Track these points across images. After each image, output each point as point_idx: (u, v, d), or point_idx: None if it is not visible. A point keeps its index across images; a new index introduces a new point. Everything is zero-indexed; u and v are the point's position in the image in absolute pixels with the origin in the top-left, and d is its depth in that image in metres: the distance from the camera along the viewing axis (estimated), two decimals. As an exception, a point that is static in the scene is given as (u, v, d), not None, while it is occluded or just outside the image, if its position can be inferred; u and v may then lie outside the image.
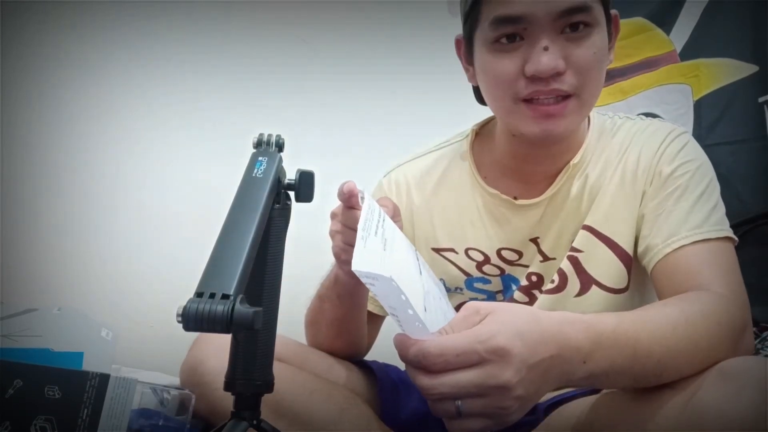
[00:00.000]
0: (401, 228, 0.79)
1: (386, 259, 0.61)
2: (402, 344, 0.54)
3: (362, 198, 0.70)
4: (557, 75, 0.77)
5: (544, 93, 0.78)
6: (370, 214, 0.66)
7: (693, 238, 0.78)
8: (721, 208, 0.82)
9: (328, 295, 0.89)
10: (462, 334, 0.53)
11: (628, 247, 0.86)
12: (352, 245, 0.74)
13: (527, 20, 0.76)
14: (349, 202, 0.72)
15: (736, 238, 0.80)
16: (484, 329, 0.53)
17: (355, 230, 0.71)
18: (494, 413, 0.53)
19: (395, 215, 0.77)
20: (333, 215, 0.78)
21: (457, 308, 0.98)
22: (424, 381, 0.53)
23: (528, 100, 0.79)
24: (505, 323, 0.53)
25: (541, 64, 0.76)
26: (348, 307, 0.89)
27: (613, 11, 0.84)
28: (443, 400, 0.53)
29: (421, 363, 0.53)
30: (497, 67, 0.80)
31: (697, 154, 0.85)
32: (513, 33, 0.78)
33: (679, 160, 0.84)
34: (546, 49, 0.76)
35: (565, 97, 0.79)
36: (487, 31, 0.79)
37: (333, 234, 0.78)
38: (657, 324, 0.63)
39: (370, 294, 0.98)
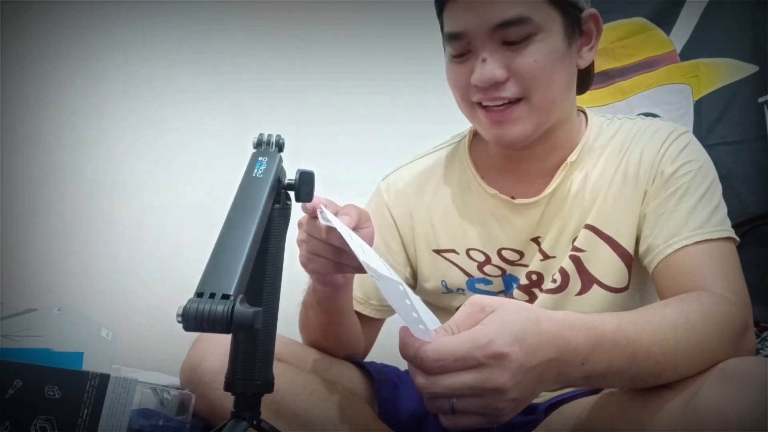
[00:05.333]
0: (372, 233, 0.80)
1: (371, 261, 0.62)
2: (404, 343, 0.55)
3: (321, 212, 0.71)
4: (498, 84, 0.81)
5: (488, 99, 0.82)
6: (338, 227, 0.67)
7: (695, 239, 0.78)
8: (723, 209, 0.82)
9: (310, 301, 0.90)
10: (461, 338, 0.54)
11: (629, 247, 0.86)
12: (316, 254, 0.75)
13: (467, 35, 0.81)
14: (314, 213, 0.73)
15: (738, 239, 0.80)
16: (482, 333, 0.53)
17: (319, 239, 0.74)
18: (487, 413, 0.54)
19: (361, 221, 0.77)
20: (299, 224, 0.78)
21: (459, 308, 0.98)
22: (420, 380, 0.54)
23: (483, 105, 0.84)
24: (505, 326, 0.54)
25: (479, 74, 0.80)
26: (330, 312, 0.89)
27: (590, 10, 0.85)
28: (438, 398, 0.54)
29: (419, 366, 0.54)
30: (453, 75, 0.86)
31: (698, 154, 0.86)
32: (461, 47, 0.83)
33: (681, 160, 0.84)
34: (484, 60, 0.80)
35: (514, 102, 0.81)
36: (446, 45, 0.86)
37: (299, 243, 0.78)
38: (657, 325, 0.63)
39: (362, 298, 0.99)
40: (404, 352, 0.55)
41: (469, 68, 0.82)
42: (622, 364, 0.59)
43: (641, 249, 0.84)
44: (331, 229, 0.70)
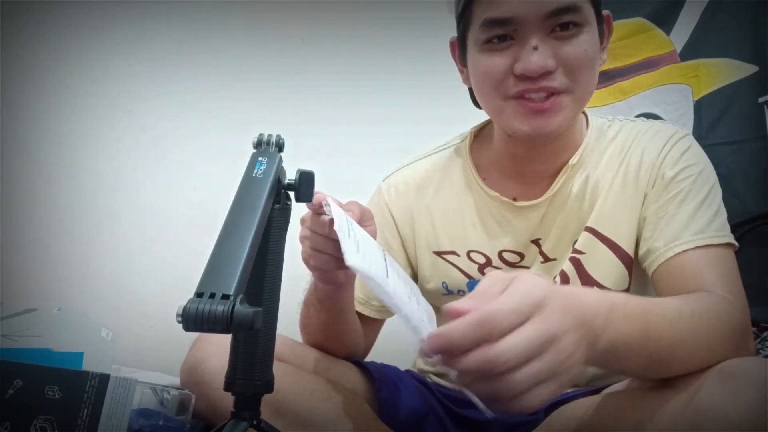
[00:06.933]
0: (374, 231, 0.79)
1: (365, 259, 0.62)
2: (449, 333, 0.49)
3: (327, 205, 0.71)
4: (547, 74, 0.78)
5: (534, 90, 0.79)
6: (339, 220, 0.67)
7: (695, 243, 0.78)
8: (723, 213, 0.82)
9: (312, 300, 0.89)
10: (503, 297, 0.50)
11: (629, 249, 0.86)
12: (319, 250, 0.75)
13: (517, 21, 0.78)
14: (318, 209, 0.73)
15: (737, 244, 0.80)
16: (519, 287, 0.51)
17: (322, 235, 0.73)
18: (556, 369, 0.50)
19: (363, 219, 0.77)
20: (302, 221, 0.78)
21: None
22: (488, 354, 0.47)
23: (518, 97, 0.80)
24: (533, 284, 0.52)
25: (531, 63, 0.77)
26: (331, 311, 0.89)
27: (605, 11, 0.85)
28: (504, 375, 0.48)
29: (479, 333, 0.48)
30: (487, 65, 0.81)
31: (699, 158, 0.86)
32: (503, 34, 0.79)
33: (682, 163, 0.84)
34: (536, 48, 0.77)
35: (557, 93, 0.80)
36: (479, 32, 0.81)
37: (302, 239, 0.78)
38: (665, 307, 0.63)
39: (363, 298, 0.98)
40: (457, 338, 0.49)
41: (510, 57, 0.79)
42: (638, 337, 0.58)
43: (641, 251, 0.84)
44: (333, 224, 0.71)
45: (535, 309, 0.50)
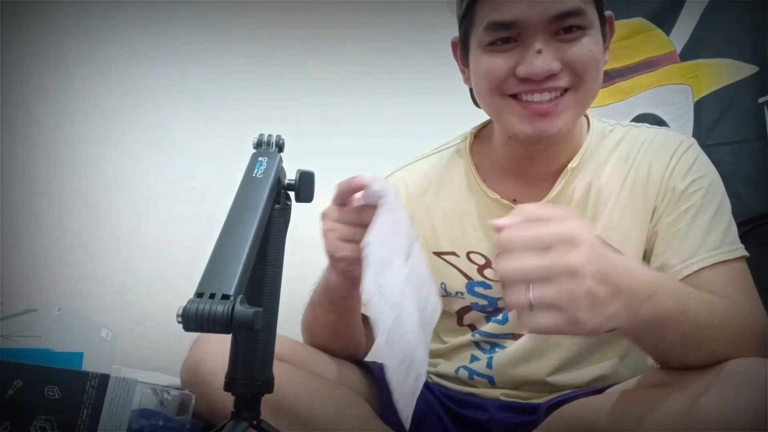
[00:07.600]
0: None
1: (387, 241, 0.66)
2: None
3: (368, 185, 0.72)
4: (552, 76, 0.78)
5: (537, 91, 0.79)
6: (389, 193, 0.70)
7: (712, 260, 0.78)
8: (733, 224, 0.83)
9: (320, 301, 0.89)
10: (535, 225, 0.55)
11: (635, 260, 0.86)
12: (347, 240, 0.74)
13: (520, 25, 0.78)
14: (343, 200, 0.73)
15: (748, 254, 0.80)
16: (556, 216, 0.55)
17: (351, 224, 0.74)
18: (565, 304, 0.52)
19: None
20: (323, 215, 0.77)
21: (459, 312, 0.98)
22: (497, 264, 0.55)
23: (519, 98, 0.80)
24: (574, 223, 0.55)
25: (535, 66, 0.77)
26: (341, 312, 0.88)
27: (608, 12, 0.85)
28: (514, 285, 0.54)
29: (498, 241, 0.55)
30: (489, 65, 0.81)
31: (708, 168, 0.85)
32: (507, 36, 0.79)
33: (692, 175, 0.84)
34: (539, 52, 0.77)
35: (561, 94, 0.79)
36: (482, 35, 0.81)
37: (326, 233, 0.77)
38: (702, 294, 0.66)
39: (364, 299, 0.98)
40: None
41: (513, 59, 0.79)
42: (676, 315, 0.60)
43: (653, 266, 0.83)
44: (364, 209, 0.71)
45: (561, 241, 0.53)
